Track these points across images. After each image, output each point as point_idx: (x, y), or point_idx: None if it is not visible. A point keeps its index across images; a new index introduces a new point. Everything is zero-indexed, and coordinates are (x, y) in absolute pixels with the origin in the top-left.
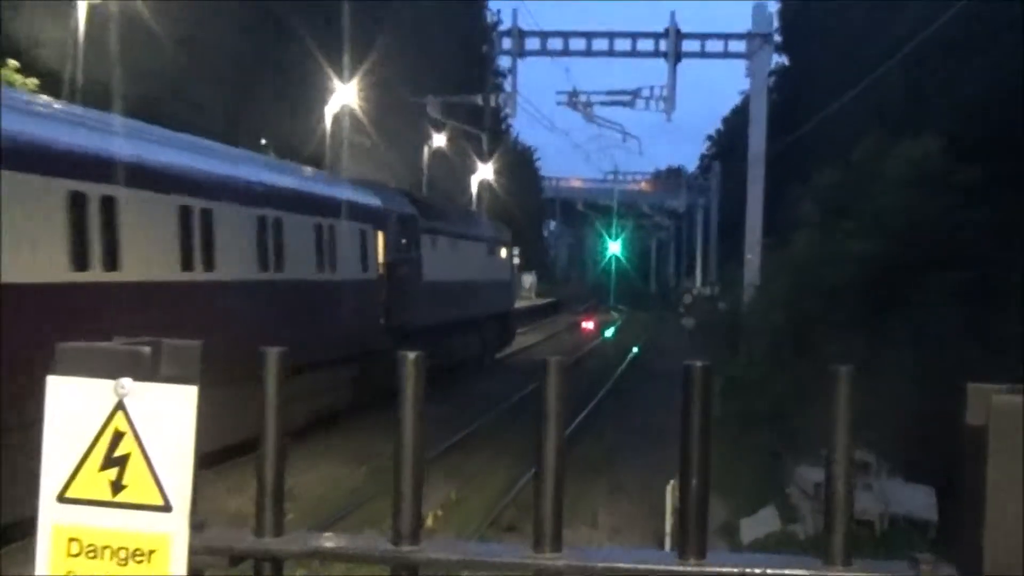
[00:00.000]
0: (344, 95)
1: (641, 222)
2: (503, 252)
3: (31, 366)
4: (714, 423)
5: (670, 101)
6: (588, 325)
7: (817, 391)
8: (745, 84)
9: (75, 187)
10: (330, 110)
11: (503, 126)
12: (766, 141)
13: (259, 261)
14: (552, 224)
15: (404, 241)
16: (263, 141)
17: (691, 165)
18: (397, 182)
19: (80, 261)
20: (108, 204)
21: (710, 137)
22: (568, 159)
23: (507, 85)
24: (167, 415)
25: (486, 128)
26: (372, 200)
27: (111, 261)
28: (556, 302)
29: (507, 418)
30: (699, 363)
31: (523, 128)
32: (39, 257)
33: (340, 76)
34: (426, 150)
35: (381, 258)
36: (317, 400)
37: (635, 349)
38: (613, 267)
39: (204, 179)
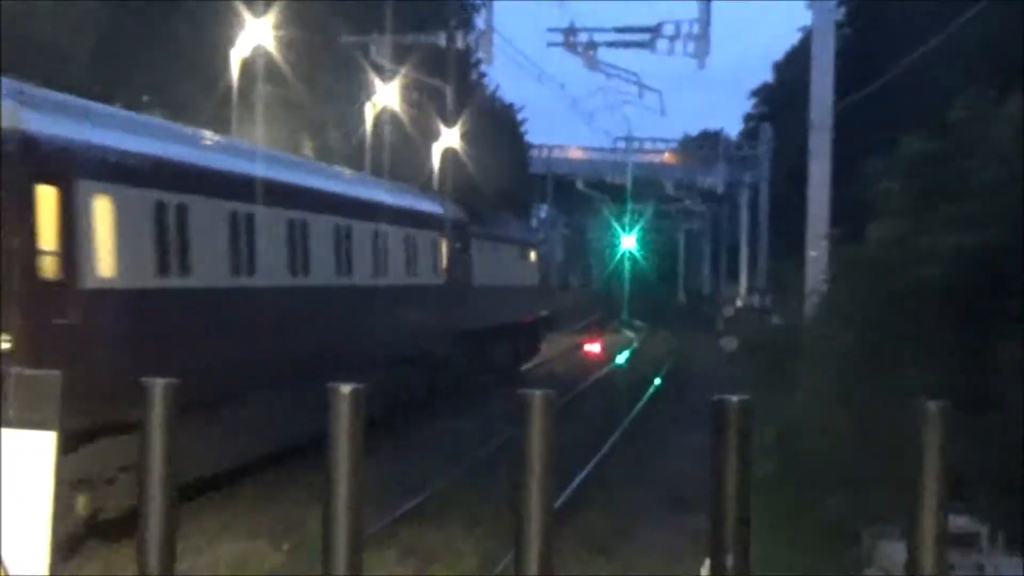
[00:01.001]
0: (256, 33)
1: (665, 207)
2: (532, 254)
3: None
4: (767, 486)
5: (703, 41)
6: (593, 348)
7: (906, 438)
8: (805, 17)
9: (234, 207)
10: (238, 54)
11: (475, 76)
12: (835, 97)
13: (362, 267)
14: (543, 210)
15: (459, 246)
16: (145, 98)
17: (732, 129)
18: (329, 150)
19: (237, 267)
20: (250, 220)
21: (757, 92)
22: (564, 121)
23: (480, 21)
24: (15, 467)
25: (451, 78)
26: (437, 208)
27: (251, 268)
28: (547, 317)
29: (484, 472)
30: (735, 398)
31: (502, 78)
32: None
33: (251, 8)
34: (369, 108)
35: (444, 263)
36: (400, 394)
37: (656, 381)
38: (627, 268)
39: (329, 198)
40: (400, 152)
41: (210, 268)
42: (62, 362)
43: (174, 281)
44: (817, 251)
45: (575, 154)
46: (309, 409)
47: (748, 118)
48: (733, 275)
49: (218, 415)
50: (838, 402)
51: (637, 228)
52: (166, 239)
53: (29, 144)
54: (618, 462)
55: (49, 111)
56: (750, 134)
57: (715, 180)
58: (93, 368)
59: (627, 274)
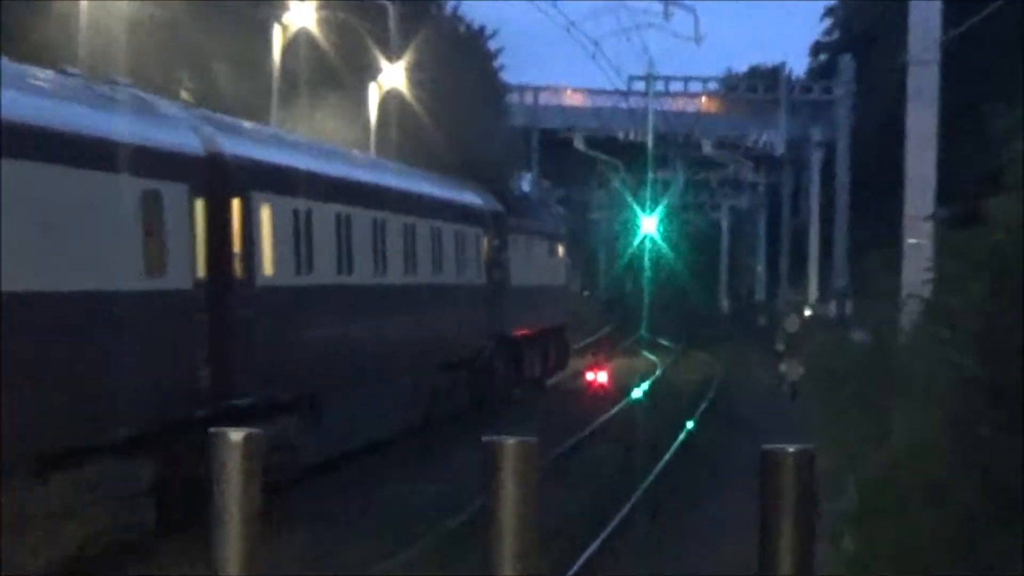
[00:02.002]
0: None
1: (701, 175)
2: (560, 249)
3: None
4: (846, 573)
5: None
6: (599, 378)
7: None
8: None
9: (340, 210)
10: None
11: None
12: (944, 19)
13: (413, 266)
14: (525, 180)
15: (496, 243)
16: None
17: (796, 64)
18: (216, 93)
19: (344, 267)
20: (347, 221)
21: (831, 11)
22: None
23: None
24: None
25: None
26: (477, 199)
27: (349, 267)
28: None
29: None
30: (791, 448)
31: None
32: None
33: None
34: (277, 33)
35: (485, 262)
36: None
37: (689, 423)
38: (647, 262)
39: (398, 196)
40: (321, 97)
41: (326, 267)
42: (244, 351)
43: (303, 279)
44: (918, 238)
45: (573, 99)
46: (394, 406)
47: (818, 48)
48: (798, 273)
49: (341, 405)
50: (952, 453)
51: (661, 206)
52: (299, 242)
53: (225, 163)
54: (628, 549)
55: (226, 132)
56: (821, 71)
57: (772, 137)
58: (262, 357)
59: (647, 271)
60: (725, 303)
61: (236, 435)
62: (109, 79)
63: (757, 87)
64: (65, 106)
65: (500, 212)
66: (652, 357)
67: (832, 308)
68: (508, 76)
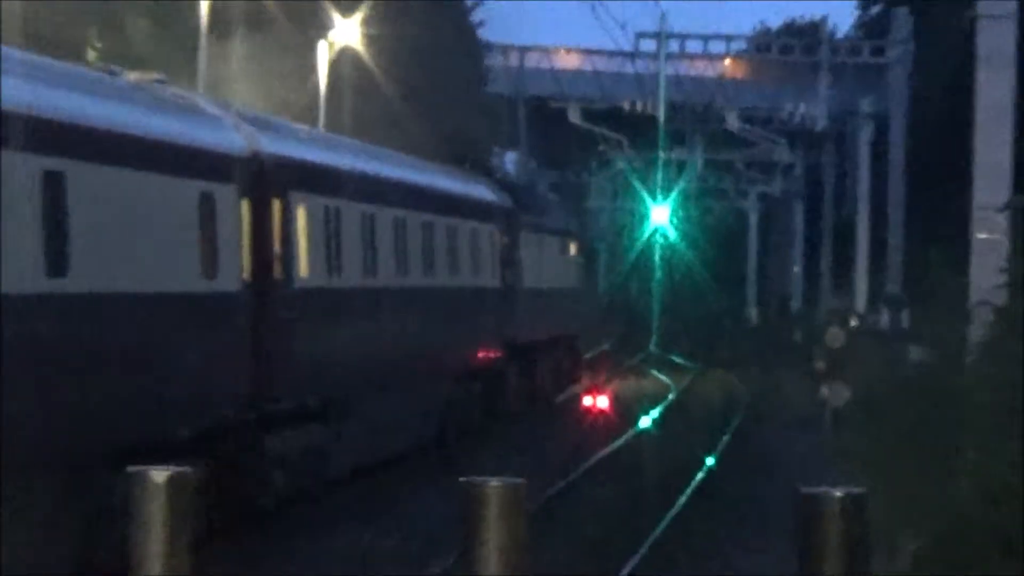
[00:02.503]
0: None
1: (723, 155)
2: (572, 247)
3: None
4: None
5: None
6: (599, 403)
7: None
8: None
9: (366, 209)
10: None
11: None
12: None
13: (440, 267)
14: (508, 160)
15: (507, 240)
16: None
17: (840, 19)
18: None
19: (366, 268)
20: (371, 221)
21: None
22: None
23: None
24: None
25: None
26: (489, 193)
27: (375, 268)
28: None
29: None
30: (837, 492)
31: None
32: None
33: None
34: None
35: (499, 262)
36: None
37: (708, 460)
38: (657, 260)
39: (417, 191)
40: (256, 61)
41: (353, 269)
42: (283, 355)
43: (333, 281)
44: (991, 232)
45: (567, 62)
46: (411, 418)
47: (868, 0)
48: (843, 275)
49: (366, 413)
50: None
51: (675, 193)
52: (331, 242)
53: (265, 163)
54: None
55: (265, 130)
56: (872, 28)
57: (812, 108)
58: (298, 361)
59: (658, 272)
60: (753, 312)
61: (159, 475)
62: (108, 68)
63: (793, 47)
64: (126, 109)
65: (511, 208)
66: (663, 378)
67: (884, 318)
68: (489, 33)
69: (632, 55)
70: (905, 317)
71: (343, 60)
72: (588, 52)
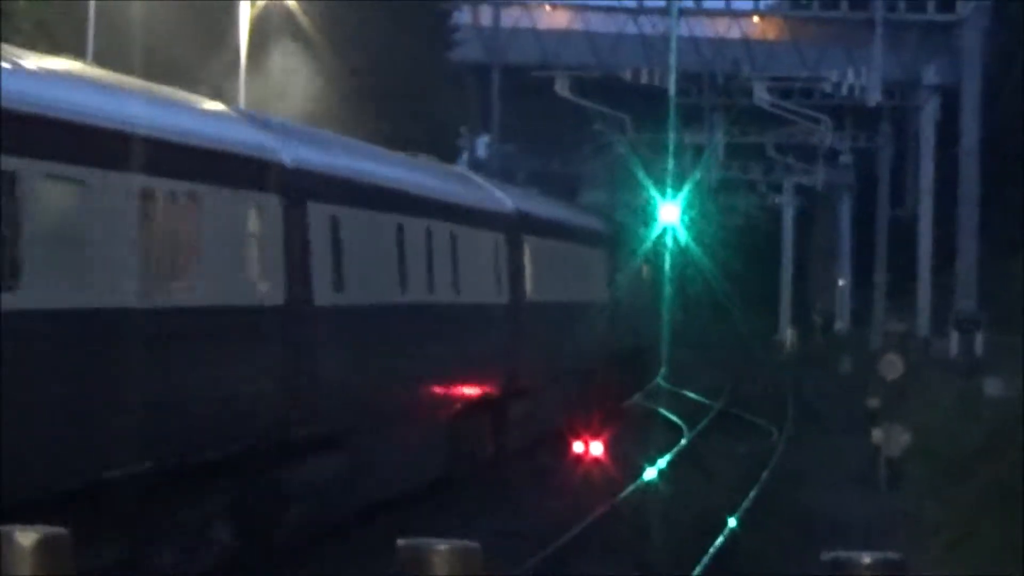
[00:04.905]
0: None
1: (752, 136)
2: (597, 252)
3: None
4: None
5: None
6: (592, 450)
7: None
8: None
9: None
10: None
11: None
12: None
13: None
14: (481, 144)
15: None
16: None
17: None
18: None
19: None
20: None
21: None
22: None
23: None
24: None
25: None
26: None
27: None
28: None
29: None
30: (866, 558)
31: None
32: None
33: None
34: None
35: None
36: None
37: (731, 521)
38: (667, 269)
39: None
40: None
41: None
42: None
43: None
44: None
45: (554, 21)
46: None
47: None
48: (901, 290)
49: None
50: None
51: (690, 184)
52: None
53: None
54: None
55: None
56: None
57: (863, 78)
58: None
59: (667, 284)
60: (788, 334)
61: (26, 538)
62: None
63: (839, 1)
64: (449, 185)
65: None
66: (673, 418)
67: (953, 344)
68: None
69: (636, 12)
70: (979, 342)
71: (269, 19)
72: (580, 8)
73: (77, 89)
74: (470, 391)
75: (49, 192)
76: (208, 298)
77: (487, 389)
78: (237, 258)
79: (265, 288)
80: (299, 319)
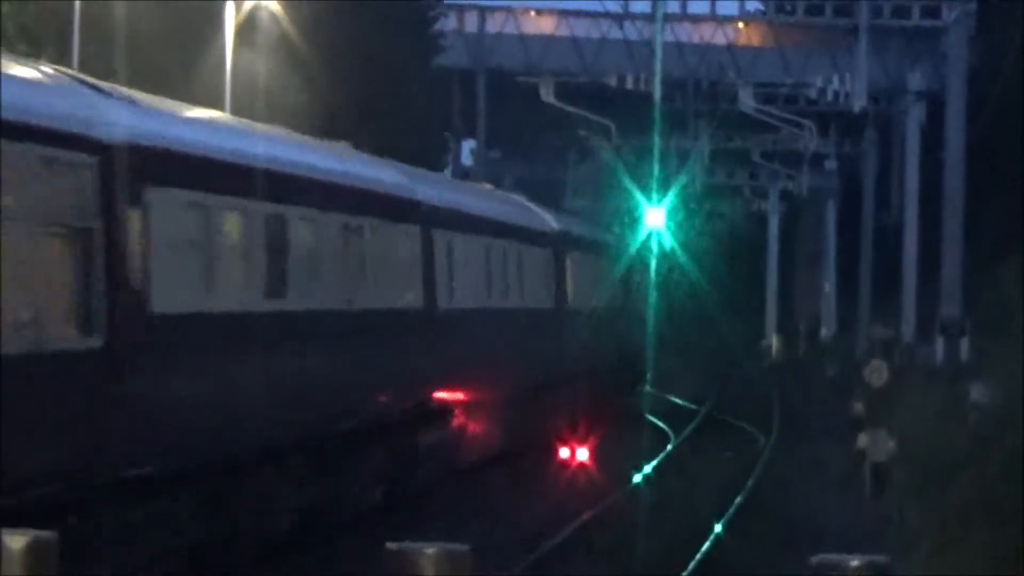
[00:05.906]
0: None
1: (737, 142)
2: (602, 259)
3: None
4: None
5: None
6: (578, 455)
7: None
8: None
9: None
10: None
11: None
12: None
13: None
14: (469, 148)
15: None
16: None
17: None
18: None
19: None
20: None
21: None
22: None
23: None
24: None
25: None
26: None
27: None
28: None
29: None
30: (853, 561)
31: None
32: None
33: None
34: None
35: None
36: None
37: (716, 527)
38: (652, 275)
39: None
40: (145, 22)
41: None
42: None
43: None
44: None
45: (540, 25)
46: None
47: None
48: (886, 295)
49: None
50: None
51: (675, 190)
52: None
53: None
54: None
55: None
56: None
57: (848, 84)
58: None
59: (652, 290)
60: (773, 341)
61: (16, 542)
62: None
63: (824, 6)
64: (505, 210)
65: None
66: (660, 423)
67: (939, 349)
68: None
69: (621, 17)
70: (965, 348)
71: (254, 23)
72: (565, 13)
73: (340, 161)
74: (534, 375)
75: (325, 231)
76: (388, 303)
77: (544, 375)
78: (399, 273)
79: (412, 296)
80: (431, 320)
